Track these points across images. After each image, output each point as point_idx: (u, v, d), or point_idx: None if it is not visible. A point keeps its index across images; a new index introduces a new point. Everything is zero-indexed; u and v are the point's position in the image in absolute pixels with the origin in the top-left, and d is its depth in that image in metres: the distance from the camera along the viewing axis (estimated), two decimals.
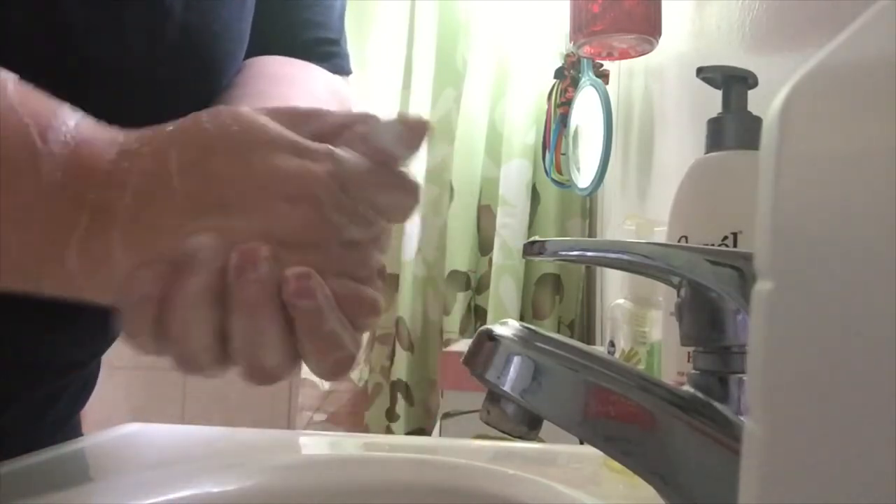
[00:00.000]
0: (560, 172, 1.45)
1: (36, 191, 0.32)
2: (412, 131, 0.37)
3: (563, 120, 1.40)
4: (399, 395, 1.72)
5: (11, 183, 0.32)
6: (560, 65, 1.45)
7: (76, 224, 0.33)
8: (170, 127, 0.35)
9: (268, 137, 0.34)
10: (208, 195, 0.33)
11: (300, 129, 0.36)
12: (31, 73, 0.45)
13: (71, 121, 0.34)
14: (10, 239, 0.33)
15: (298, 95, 0.54)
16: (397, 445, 0.72)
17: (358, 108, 0.64)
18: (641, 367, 0.57)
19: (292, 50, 0.60)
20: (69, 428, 0.62)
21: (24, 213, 0.33)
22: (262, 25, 0.57)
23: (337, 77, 0.62)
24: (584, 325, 1.71)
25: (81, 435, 0.63)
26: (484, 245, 1.74)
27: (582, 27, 1.01)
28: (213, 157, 0.33)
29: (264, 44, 0.57)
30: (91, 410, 0.65)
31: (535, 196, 1.70)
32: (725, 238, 0.46)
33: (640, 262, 0.35)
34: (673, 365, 0.48)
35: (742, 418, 0.33)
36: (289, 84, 0.55)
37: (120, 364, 1.99)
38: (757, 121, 0.48)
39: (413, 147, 0.37)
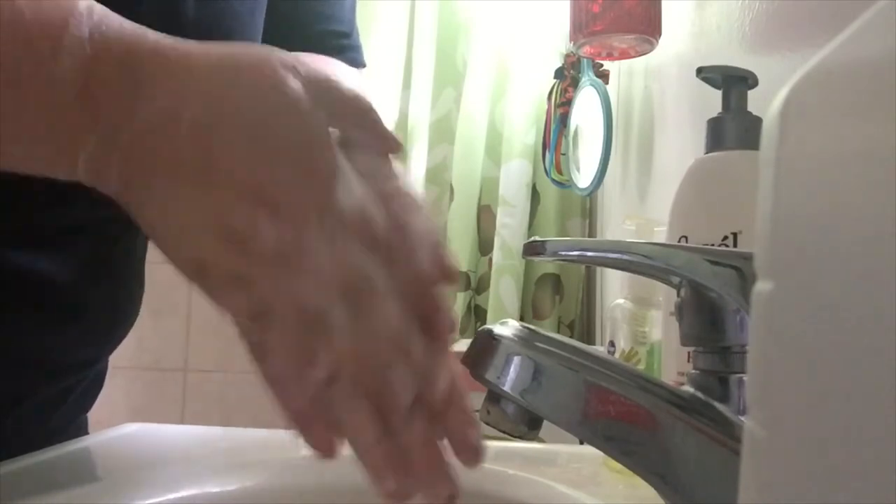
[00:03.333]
0: (560, 172, 1.45)
1: (47, 107, 0.32)
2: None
3: (563, 120, 1.40)
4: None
5: (21, 97, 0.32)
6: (560, 65, 1.45)
7: (86, 141, 0.33)
8: (197, 74, 0.33)
9: (291, 128, 0.34)
10: (200, 165, 0.33)
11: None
12: None
13: (84, 27, 0.33)
14: (25, 147, 0.34)
15: None
16: None
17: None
18: (641, 367, 0.57)
19: (305, 43, 0.60)
20: (75, 428, 0.62)
21: (35, 126, 0.33)
22: (274, 19, 0.57)
23: (354, 70, 0.62)
24: (584, 325, 1.71)
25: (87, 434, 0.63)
26: (484, 245, 1.74)
27: (582, 27, 1.01)
28: (224, 138, 0.33)
29: (276, 37, 0.57)
30: (91, 410, 0.65)
31: (535, 196, 1.70)
32: (725, 238, 0.46)
33: (640, 262, 0.35)
34: (673, 365, 0.48)
35: (742, 418, 0.33)
36: None
37: (120, 364, 1.99)
38: (757, 121, 0.48)
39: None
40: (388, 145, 0.37)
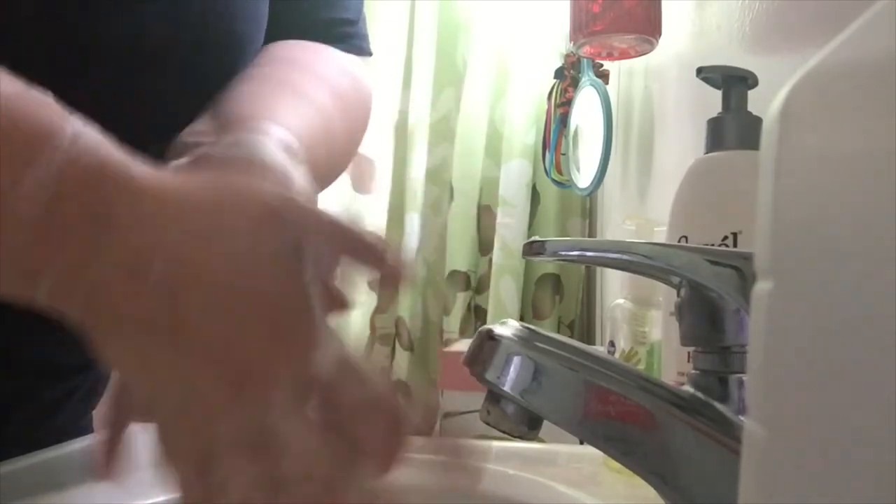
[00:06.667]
0: (560, 172, 1.45)
1: (5, 233, 0.29)
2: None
3: (563, 120, 1.40)
4: (399, 396, 1.71)
5: None
6: (560, 65, 1.45)
7: (42, 277, 0.30)
8: (174, 218, 0.31)
9: (274, 293, 0.31)
10: (165, 324, 0.30)
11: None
12: (47, 53, 0.45)
13: (58, 160, 0.30)
14: None
15: (311, 81, 0.53)
16: None
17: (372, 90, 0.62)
18: (641, 367, 0.57)
19: (310, 30, 0.59)
20: (80, 429, 0.62)
21: None
22: (278, 6, 0.56)
23: (354, 58, 0.61)
24: (584, 325, 1.71)
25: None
26: (484, 245, 1.74)
27: (582, 27, 1.01)
28: (190, 293, 0.30)
29: (282, 24, 0.57)
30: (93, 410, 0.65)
31: (535, 196, 1.70)
32: (725, 238, 0.46)
33: (640, 262, 0.35)
34: (673, 365, 0.48)
35: (742, 418, 0.33)
36: (302, 70, 0.54)
37: None
38: (757, 121, 0.48)
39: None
40: (394, 274, 0.35)
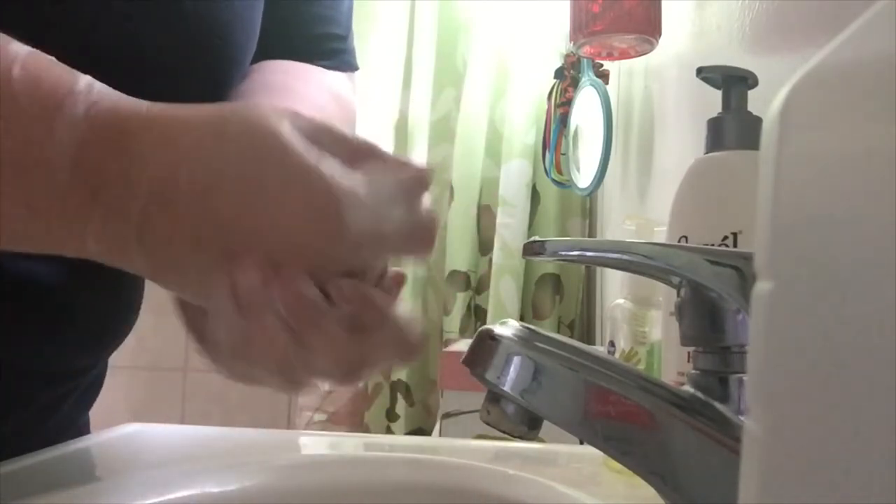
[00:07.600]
0: (560, 172, 1.45)
1: (45, 188, 0.33)
2: (413, 178, 0.39)
3: (563, 120, 1.40)
4: (399, 395, 1.72)
5: (18, 180, 0.33)
6: (560, 65, 1.45)
7: (90, 217, 0.34)
8: (186, 135, 0.35)
9: (287, 167, 0.35)
10: (211, 230, 0.34)
11: (324, 146, 0.37)
12: None
13: (81, 106, 0.34)
14: (28, 227, 0.34)
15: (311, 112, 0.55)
16: (397, 445, 0.72)
17: (359, 108, 0.64)
18: (641, 367, 0.57)
19: (300, 45, 0.60)
20: (75, 431, 0.62)
21: (36, 207, 0.34)
22: (270, 20, 0.57)
23: (341, 75, 0.62)
24: (584, 325, 1.71)
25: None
26: (484, 245, 1.74)
27: (582, 27, 1.01)
28: (222, 193, 0.34)
29: (272, 38, 0.57)
30: (91, 410, 0.65)
31: (535, 196, 1.70)
32: (725, 238, 0.46)
33: (640, 262, 0.35)
34: (673, 365, 0.48)
35: (742, 418, 0.33)
36: (289, 96, 0.55)
37: (120, 364, 1.99)
38: (757, 121, 0.48)
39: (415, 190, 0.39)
40: (408, 170, 0.38)
